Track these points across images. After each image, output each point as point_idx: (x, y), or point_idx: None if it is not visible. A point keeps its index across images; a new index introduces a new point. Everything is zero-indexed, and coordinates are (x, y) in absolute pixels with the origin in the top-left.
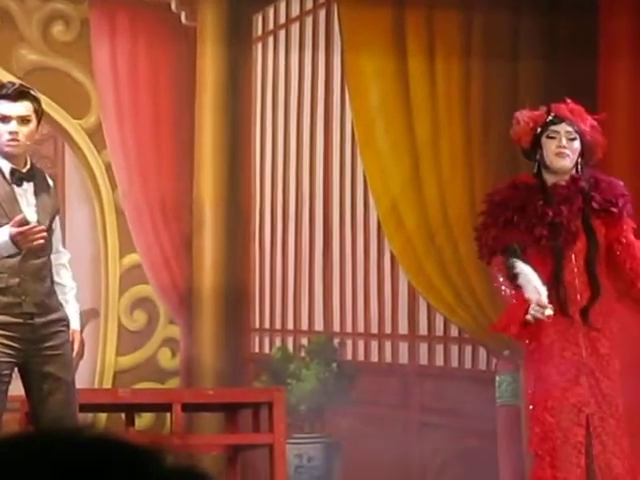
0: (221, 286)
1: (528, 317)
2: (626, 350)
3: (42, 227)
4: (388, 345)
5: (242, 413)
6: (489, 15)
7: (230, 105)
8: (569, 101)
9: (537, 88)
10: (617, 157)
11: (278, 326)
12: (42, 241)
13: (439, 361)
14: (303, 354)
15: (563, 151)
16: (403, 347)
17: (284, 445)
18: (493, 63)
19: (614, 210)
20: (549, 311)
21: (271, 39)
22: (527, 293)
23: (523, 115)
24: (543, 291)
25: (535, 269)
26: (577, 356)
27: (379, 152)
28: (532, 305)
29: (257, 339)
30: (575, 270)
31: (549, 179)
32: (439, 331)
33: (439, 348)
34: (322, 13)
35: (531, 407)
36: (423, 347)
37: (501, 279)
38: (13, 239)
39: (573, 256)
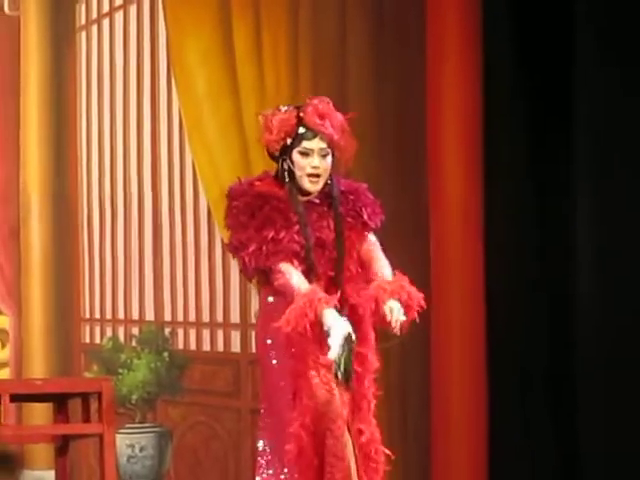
0: (50, 276)
1: None
2: None
3: None
4: (220, 334)
5: (72, 403)
6: None
7: (55, 94)
8: (317, 102)
9: (367, 74)
10: (447, 149)
11: (109, 316)
12: None
13: None
14: (134, 344)
15: (316, 172)
16: (235, 336)
17: (113, 435)
18: (321, 38)
19: (363, 220)
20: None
21: (95, 28)
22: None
23: (273, 122)
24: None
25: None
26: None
27: (207, 139)
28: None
29: (88, 329)
30: (322, 283)
31: (300, 196)
32: None
33: None
34: (146, 1)
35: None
36: None
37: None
38: None
39: (323, 271)
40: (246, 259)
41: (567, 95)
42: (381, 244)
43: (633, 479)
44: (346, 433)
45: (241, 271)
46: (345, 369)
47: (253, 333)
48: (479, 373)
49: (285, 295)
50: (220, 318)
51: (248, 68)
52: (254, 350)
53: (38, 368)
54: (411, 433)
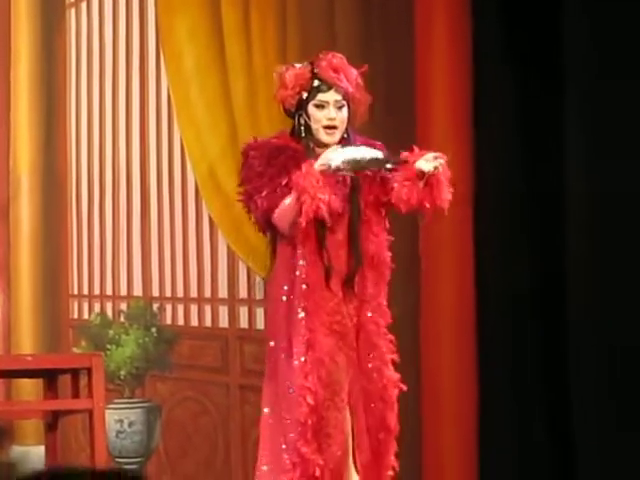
0: (39, 253)
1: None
2: None
3: None
4: (208, 309)
5: (62, 379)
6: None
7: (45, 71)
8: (332, 57)
9: (355, 54)
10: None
11: (97, 292)
12: None
13: (259, 324)
14: (122, 319)
15: (333, 124)
16: (223, 311)
17: (103, 410)
18: (309, 16)
19: (382, 175)
20: None
21: (84, 5)
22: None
23: (289, 77)
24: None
25: (303, 246)
26: (340, 326)
27: (195, 116)
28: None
29: (76, 305)
30: (340, 240)
31: (317, 149)
32: (259, 294)
33: (259, 311)
34: None
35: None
36: (243, 310)
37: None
38: None
39: (338, 227)
40: (259, 202)
41: (557, 61)
42: None
43: (628, 477)
44: (347, 407)
45: (254, 223)
46: (373, 159)
47: (241, 308)
48: (469, 355)
49: (295, 217)
50: (208, 293)
51: (236, 46)
52: (242, 325)
53: (26, 344)
54: (401, 418)
